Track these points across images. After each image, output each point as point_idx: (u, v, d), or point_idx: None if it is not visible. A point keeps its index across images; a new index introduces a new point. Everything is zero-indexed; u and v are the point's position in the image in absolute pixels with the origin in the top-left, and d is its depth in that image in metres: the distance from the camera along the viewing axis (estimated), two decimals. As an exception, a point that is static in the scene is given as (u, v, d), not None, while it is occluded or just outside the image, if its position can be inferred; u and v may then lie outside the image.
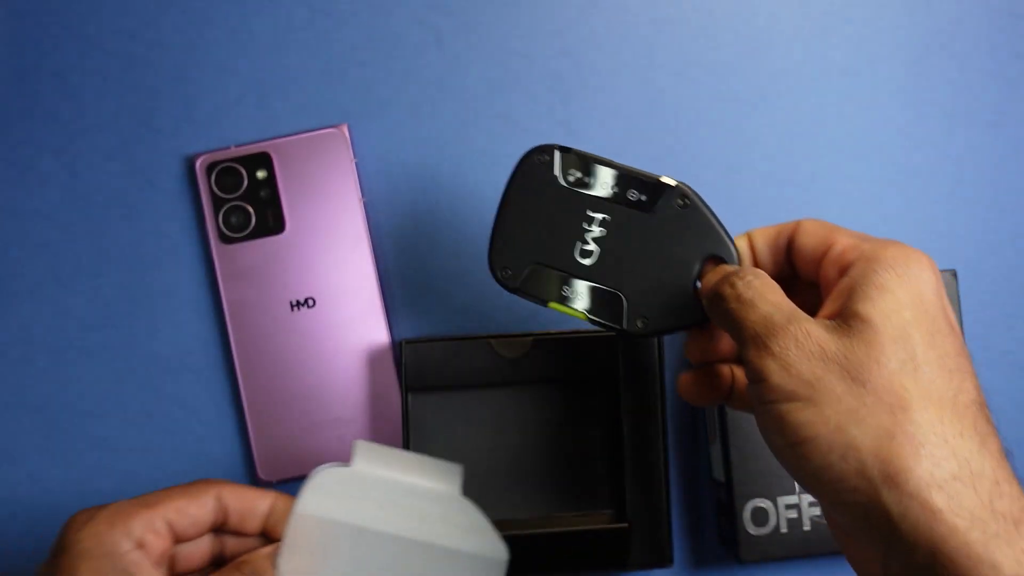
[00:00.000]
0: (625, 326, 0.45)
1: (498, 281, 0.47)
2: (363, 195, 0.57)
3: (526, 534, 0.51)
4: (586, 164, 0.46)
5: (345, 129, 0.56)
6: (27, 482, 0.56)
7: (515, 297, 0.58)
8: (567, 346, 0.53)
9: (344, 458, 0.56)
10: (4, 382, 0.57)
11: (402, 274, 0.57)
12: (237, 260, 0.56)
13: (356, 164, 0.57)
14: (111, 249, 0.57)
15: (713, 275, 0.42)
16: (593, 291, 0.45)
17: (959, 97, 0.58)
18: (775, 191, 0.57)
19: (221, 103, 0.57)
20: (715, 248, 0.44)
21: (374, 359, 0.56)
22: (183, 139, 0.57)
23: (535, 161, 0.46)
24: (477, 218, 0.57)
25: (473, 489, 0.53)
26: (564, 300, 0.46)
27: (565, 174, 0.46)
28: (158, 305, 0.57)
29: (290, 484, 0.56)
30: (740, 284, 0.40)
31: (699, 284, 0.44)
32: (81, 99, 0.57)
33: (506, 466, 0.53)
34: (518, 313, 0.57)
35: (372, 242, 0.56)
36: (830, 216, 0.57)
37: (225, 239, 0.56)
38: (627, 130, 0.58)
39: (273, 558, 0.41)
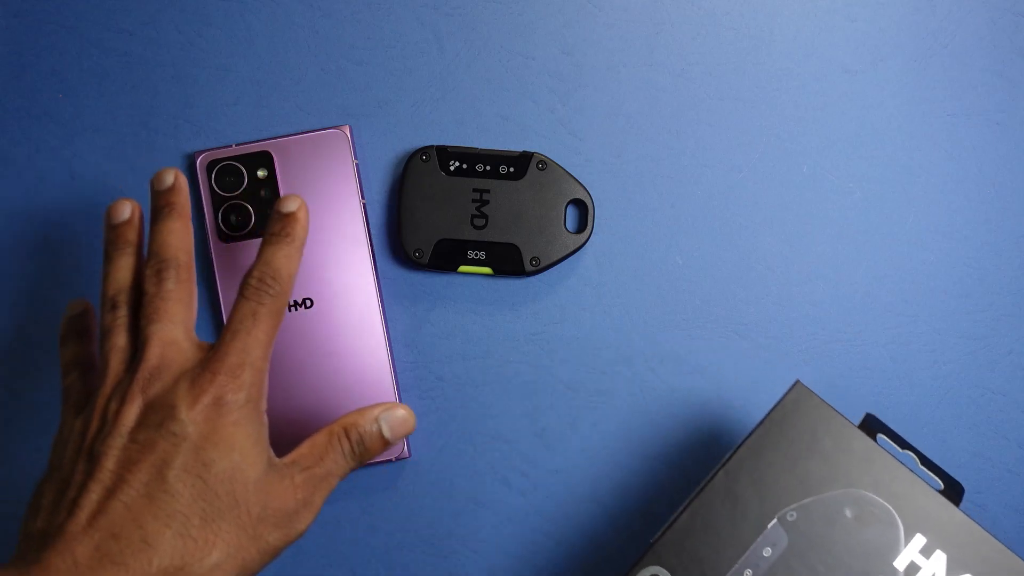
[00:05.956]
0: (526, 269, 0.55)
1: (413, 261, 0.56)
2: (363, 197, 0.56)
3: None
4: (461, 155, 0.56)
5: (347, 130, 0.56)
6: (25, 482, 0.56)
7: (515, 296, 0.58)
8: None
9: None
10: (2, 382, 0.56)
11: (401, 276, 0.57)
12: (236, 259, 0.56)
13: (357, 166, 0.56)
14: (110, 248, 0.57)
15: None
16: (492, 248, 0.55)
17: (961, 96, 0.58)
18: (775, 191, 0.57)
19: (219, 103, 0.57)
20: (574, 193, 0.56)
21: (370, 361, 0.55)
22: (182, 138, 0.57)
23: (419, 160, 0.56)
24: (477, 218, 0.57)
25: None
26: (470, 263, 0.55)
27: (446, 166, 0.55)
28: (156, 305, 0.56)
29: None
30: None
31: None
32: (80, 98, 0.57)
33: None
34: (519, 311, 0.57)
35: (371, 244, 0.56)
36: (830, 214, 0.57)
37: (224, 237, 0.56)
38: (627, 130, 0.57)
39: (379, 419, 0.48)
